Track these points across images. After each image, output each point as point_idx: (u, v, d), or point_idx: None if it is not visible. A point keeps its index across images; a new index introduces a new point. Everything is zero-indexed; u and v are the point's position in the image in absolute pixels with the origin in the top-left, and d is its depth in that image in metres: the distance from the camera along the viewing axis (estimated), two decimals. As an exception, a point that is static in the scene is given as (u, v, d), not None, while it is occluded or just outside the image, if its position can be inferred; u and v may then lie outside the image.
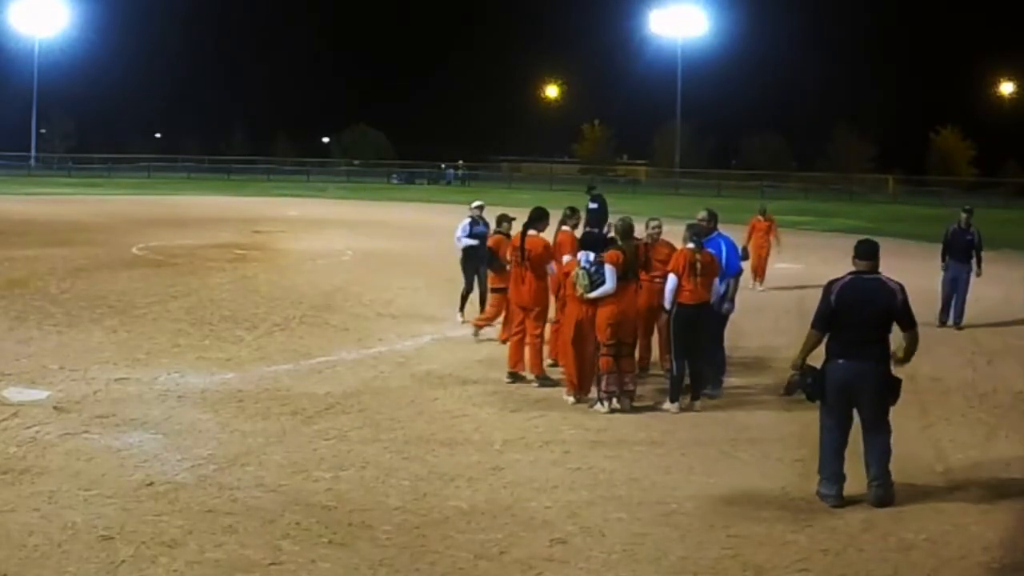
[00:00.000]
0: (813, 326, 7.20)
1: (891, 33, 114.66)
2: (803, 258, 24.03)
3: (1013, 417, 9.74)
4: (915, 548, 6.36)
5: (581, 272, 9.46)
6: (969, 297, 15.03)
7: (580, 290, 9.45)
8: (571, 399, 9.62)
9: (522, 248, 10.43)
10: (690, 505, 6.95)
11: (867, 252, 7.16)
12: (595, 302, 9.41)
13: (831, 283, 7.21)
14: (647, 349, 10.74)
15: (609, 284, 9.31)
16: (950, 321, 14.84)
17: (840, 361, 7.06)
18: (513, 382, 10.28)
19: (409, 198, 53.46)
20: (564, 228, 10.97)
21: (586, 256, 9.57)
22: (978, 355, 12.89)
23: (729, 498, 7.12)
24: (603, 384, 9.37)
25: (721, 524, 6.62)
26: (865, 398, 7.12)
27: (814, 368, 7.24)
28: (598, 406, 9.36)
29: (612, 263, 9.35)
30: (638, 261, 9.76)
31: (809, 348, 7.21)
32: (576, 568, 5.91)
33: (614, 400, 9.33)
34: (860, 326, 7.02)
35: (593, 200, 19.61)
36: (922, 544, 6.42)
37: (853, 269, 7.21)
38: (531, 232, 10.54)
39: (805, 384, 7.25)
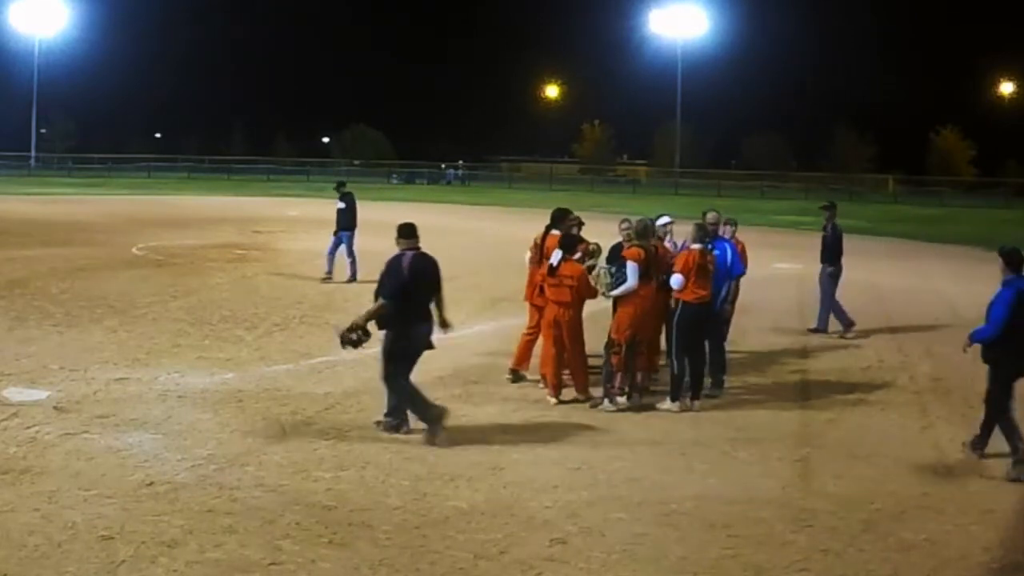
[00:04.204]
0: (386, 297, 8.15)
1: (891, 33, 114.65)
2: (803, 258, 24.02)
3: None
4: (915, 548, 6.36)
5: (603, 271, 9.42)
6: (839, 299, 13.84)
7: (602, 288, 9.43)
8: (553, 400, 9.56)
9: (542, 248, 10.32)
10: (690, 505, 6.95)
11: (413, 232, 8.46)
12: (616, 301, 9.41)
13: (396, 259, 8.29)
14: (655, 351, 10.68)
15: (631, 282, 9.25)
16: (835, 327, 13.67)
17: (424, 326, 8.31)
18: (514, 381, 10.27)
19: (409, 198, 53.44)
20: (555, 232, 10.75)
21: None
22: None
23: (729, 498, 7.12)
24: (616, 381, 9.35)
25: (721, 524, 6.62)
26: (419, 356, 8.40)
27: (367, 329, 8.31)
28: (605, 404, 9.33)
29: (635, 261, 9.31)
30: (656, 261, 9.63)
31: (376, 315, 8.19)
32: (576, 568, 5.91)
33: (621, 398, 9.32)
34: (425, 293, 8.35)
35: (342, 199, 18.36)
36: (922, 544, 6.43)
37: (404, 247, 8.39)
38: (553, 232, 10.39)
39: (355, 340, 8.26)
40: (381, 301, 8.18)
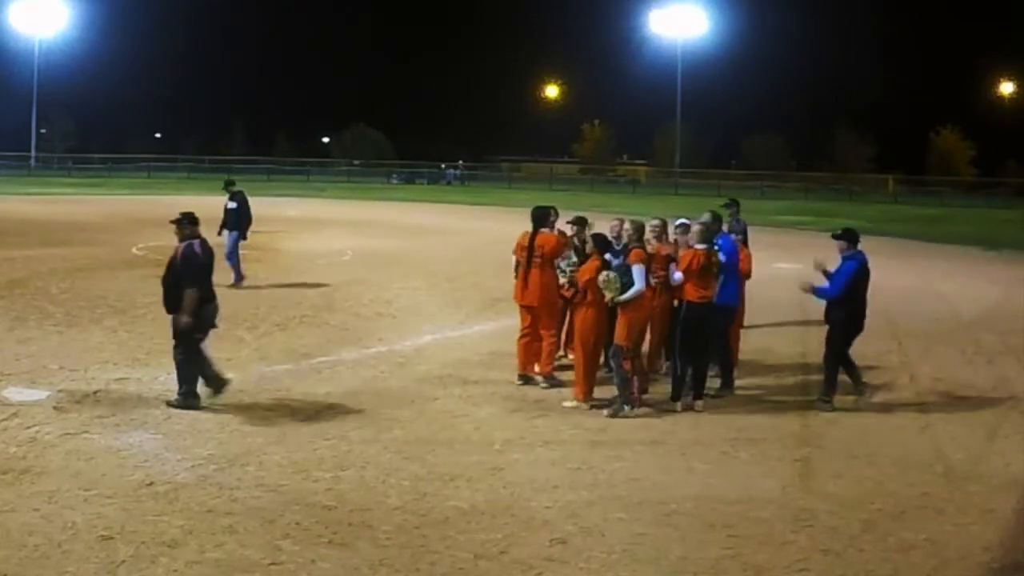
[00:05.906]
0: (191, 284, 8.85)
1: (891, 33, 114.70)
2: (803, 258, 24.00)
3: (1013, 417, 9.74)
4: (915, 548, 6.36)
5: (612, 276, 9.17)
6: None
7: (610, 294, 9.15)
8: (573, 403, 9.42)
9: (531, 247, 10.12)
10: (690, 505, 6.95)
11: (196, 221, 9.25)
12: (618, 306, 9.24)
13: (189, 248, 9.00)
14: (657, 352, 10.66)
15: (639, 284, 9.14)
16: None
17: (211, 306, 9.12)
18: (524, 384, 10.22)
19: (409, 198, 53.44)
20: (544, 231, 10.43)
21: (615, 260, 9.50)
22: (978, 355, 12.88)
23: (729, 498, 7.12)
24: (633, 385, 9.26)
25: (721, 524, 6.62)
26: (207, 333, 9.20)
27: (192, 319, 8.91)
28: (626, 409, 9.18)
29: (640, 263, 9.21)
30: (651, 262, 9.54)
31: (194, 304, 8.84)
32: (576, 568, 5.91)
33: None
34: (210, 276, 9.25)
35: (232, 198, 17.29)
36: (922, 544, 6.43)
37: (189, 236, 9.12)
38: (542, 231, 10.23)
39: (195, 330, 8.91)
40: (191, 290, 8.83)
